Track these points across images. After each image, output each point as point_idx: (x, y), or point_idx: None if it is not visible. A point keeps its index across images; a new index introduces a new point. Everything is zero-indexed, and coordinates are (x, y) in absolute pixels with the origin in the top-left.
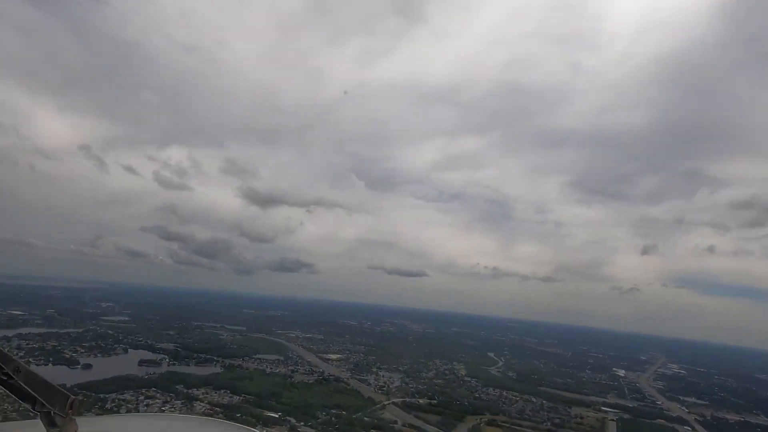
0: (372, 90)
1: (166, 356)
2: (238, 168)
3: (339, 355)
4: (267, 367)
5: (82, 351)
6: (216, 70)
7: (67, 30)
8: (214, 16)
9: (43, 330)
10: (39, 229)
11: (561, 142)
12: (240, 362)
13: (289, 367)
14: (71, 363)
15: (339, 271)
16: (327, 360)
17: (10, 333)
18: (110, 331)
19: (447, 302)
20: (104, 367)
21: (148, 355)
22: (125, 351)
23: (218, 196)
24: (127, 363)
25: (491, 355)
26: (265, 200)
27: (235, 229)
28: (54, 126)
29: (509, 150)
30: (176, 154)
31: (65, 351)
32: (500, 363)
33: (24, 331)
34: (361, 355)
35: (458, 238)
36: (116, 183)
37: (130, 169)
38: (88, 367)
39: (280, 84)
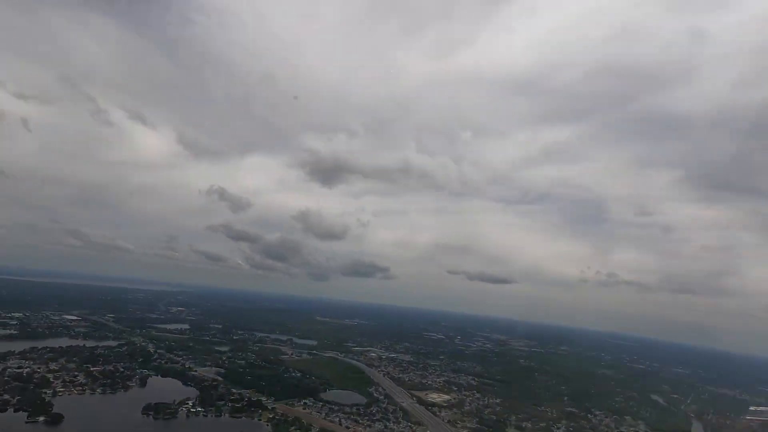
0: (450, 81)
1: (197, 391)
2: (317, 169)
3: (446, 396)
4: (340, 421)
5: (83, 383)
6: (291, 75)
7: (159, 48)
8: (286, 20)
9: (75, 342)
10: (133, 234)
11: (674, 129)
12: (299, 408)
13: (375, 422)
14: (38, 410)
15: (416, 275)
16: (430, 405)
17: (33, 344)
18: (151, 346)
19: (538, 312)
20: (80, 421)
21: (172, 388)
22: (142, 384)
23: (292, 202)
24: (124, 411)
25: (658, 399)
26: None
27: (306, 232)
28: (144, 138)
29: (607, 141)
30: (253, 160)
31: (60, 380)
32: (690, 419)
33: (51, 343)
34: (475, 393)
35: (545, 243)
36: (197, 188)
37: (208, 175)
38: (55, 420)
39: (353, 81)
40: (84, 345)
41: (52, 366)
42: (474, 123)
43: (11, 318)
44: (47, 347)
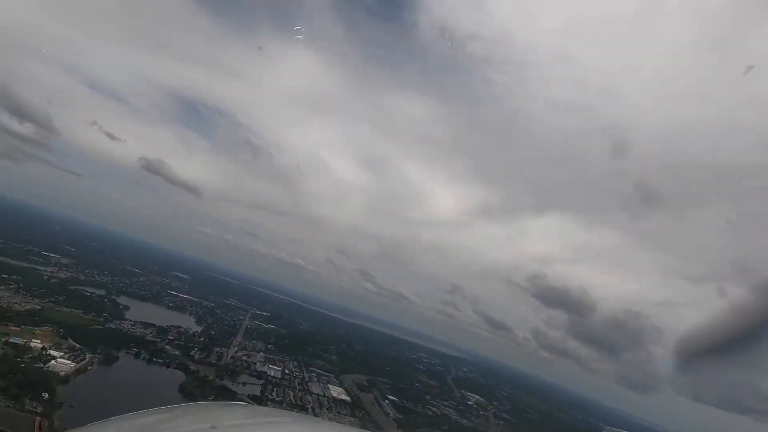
0: None
1: None
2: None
3: None
4: None
5: None
6: (600, 125)
7: (462, 112)
8: (597, 68)
9: None
10: (419, 288)
11: None
12: None
13: None
14: None
15: None
16: None
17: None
18: None
19: None
20: None
21: None
22: None
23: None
24: None
25: None
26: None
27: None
28: (440, 198)
29: None
30: (554, 218)
31: None
32: None
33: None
34: None
35: None
36: (484, 247)
37: (503, 235)
38: None
39: (698, 124)
40: None
41: None
42: None
43: (221, 360)
44: None
